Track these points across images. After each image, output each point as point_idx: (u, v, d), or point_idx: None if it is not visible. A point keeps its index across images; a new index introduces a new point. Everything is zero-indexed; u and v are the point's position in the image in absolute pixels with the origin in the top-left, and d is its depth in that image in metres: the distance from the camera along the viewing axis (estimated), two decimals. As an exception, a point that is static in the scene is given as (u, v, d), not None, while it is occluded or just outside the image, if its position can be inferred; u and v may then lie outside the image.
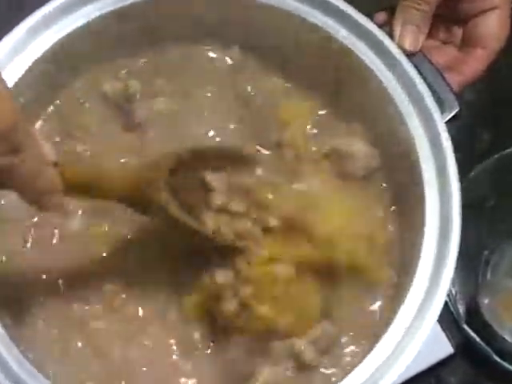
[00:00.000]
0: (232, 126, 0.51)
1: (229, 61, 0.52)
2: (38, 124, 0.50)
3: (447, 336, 0.51)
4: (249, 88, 0.51)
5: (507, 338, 0.54)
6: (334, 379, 0.43)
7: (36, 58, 0.47)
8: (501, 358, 0.55)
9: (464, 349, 0.54)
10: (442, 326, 0.51)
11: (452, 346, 0.51)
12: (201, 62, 0.52)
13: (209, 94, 0.51)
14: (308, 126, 0.50)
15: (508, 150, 0.58)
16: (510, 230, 0.55)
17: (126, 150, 0.49)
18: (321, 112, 0.51)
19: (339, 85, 0.51)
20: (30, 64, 0.46)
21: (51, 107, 0.50)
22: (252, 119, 0.50)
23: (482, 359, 0.55)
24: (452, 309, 0.56)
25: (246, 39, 0.51)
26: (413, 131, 0.46)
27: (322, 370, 0.44)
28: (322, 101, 0.51)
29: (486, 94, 0.55)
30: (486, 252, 0.60)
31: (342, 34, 0.48)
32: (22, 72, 0.46)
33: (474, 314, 0.56)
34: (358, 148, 0.49)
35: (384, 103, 0.48)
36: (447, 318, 0.53)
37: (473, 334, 0.55)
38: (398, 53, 0.47)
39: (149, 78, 0.51)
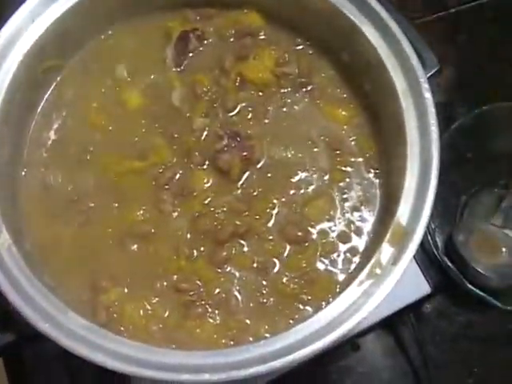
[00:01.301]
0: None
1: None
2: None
3: (425, 277, 0.57)
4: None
5: (476, 267, 0.61)
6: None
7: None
8: (472, 285, 0.62)
9: (441, 285, 0.61)
10: (420, 268, 0.57)
11: (430, 286, 0.56)
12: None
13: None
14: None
15: (485, 108, 0.63)
16: (486, 180, 0.60)
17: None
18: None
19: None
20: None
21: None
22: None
23: (457, 290, 0.62)
24: (431, 242, 0.63)
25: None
26: (398, 86, 0.49)
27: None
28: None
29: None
30: (464, 197, 0.66)
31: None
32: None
33: (449, 247, 0.63)
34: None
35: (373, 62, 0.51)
36: (426, 261, 0.59)
37: (449, 263, 0.62)
38: (387, 18, 0.50)
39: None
